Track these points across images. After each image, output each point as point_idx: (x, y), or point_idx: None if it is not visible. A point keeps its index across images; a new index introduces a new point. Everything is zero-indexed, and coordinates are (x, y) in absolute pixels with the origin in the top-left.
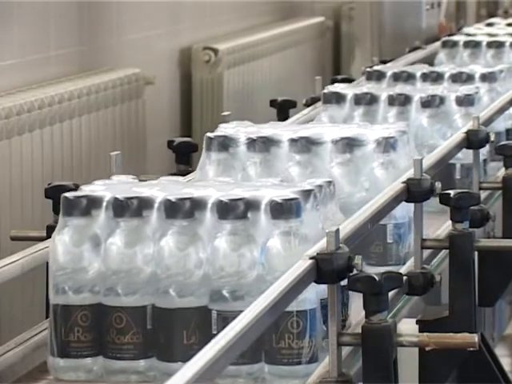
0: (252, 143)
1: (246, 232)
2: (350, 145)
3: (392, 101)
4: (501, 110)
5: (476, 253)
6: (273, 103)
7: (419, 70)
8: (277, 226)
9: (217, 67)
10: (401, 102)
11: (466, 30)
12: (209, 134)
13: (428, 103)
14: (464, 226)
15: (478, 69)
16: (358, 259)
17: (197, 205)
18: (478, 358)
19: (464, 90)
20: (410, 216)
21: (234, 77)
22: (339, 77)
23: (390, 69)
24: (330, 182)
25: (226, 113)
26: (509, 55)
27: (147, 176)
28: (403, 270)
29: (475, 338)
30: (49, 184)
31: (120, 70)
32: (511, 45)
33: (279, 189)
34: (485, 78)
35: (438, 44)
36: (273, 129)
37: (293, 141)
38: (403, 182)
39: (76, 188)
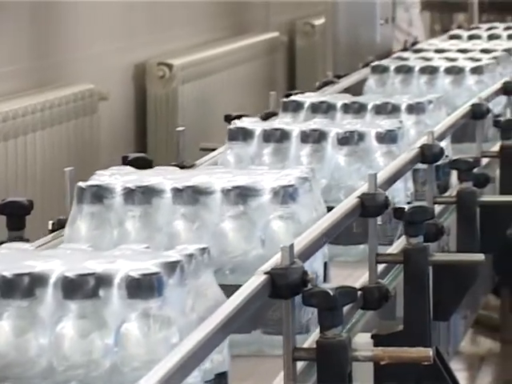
0: (130, 193)
1: (97, 314)
2: (242, 195)
3: (305, 137)
4: (454, 125)
5: (430, 267)
6: (227, 118)
7: (340, 99)
8: (133, 307)
9: (171, 82)
10: (315, 138)
11: (420, 45)
12: (80, 184)
13: (345, 140)
14: (418, 241)
15: (404, 99)
16: (312, 274)
17: (37, 281)
18: (433, 373)
19: (386, 125)
20: None
21: (189, 92)
22: (293, 91)
23: (308, 98)
24: (204, 249)
25: (180, 128)
26: (443, 81)
27: None
28: (357, 284)
29: (430, 352)
30: (2, 200)
31: (74, 85)
32: (446, 70)
33: (139, 259)
34: (412, 109)
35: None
36: (155, 176)
37: (177, 190)
38: (358, 197)
39: (31, 205)
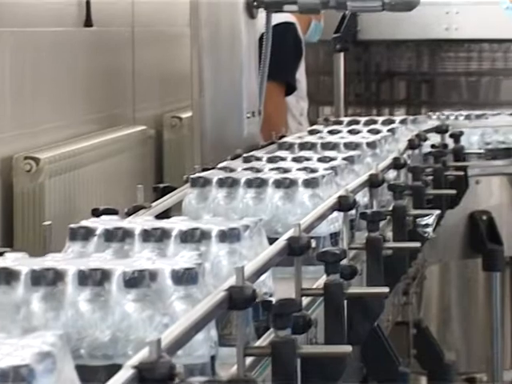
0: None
1: None
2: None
3: (84, 279)
4: (322, 217)
5: (299, 360)
6: (95, 212)
7: (140, 225)
8: None
9: (38, 176)
10: (95, 281)
11: (287, 138)
12: None
13: (133, 281)
14: (286, 333)
15: (217, 223)
16: (180, 368)
17: None
18: None
19: (184, 262)
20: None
21: (56, 186)
22: (161, 185)
23: (102, 225)
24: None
25: (47, 222)
26: (273, 196)
27: None
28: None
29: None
30: None
31: None
32: (275, 183)
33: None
34: (224, 236)
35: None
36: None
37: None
38: (225, 290)
39: None
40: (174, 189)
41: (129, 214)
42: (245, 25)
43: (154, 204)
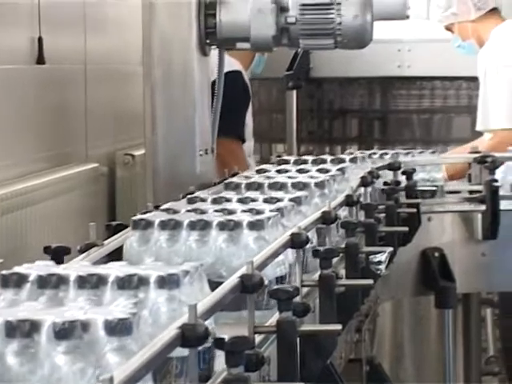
0: None
1: None
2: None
3: (11, 331)
4: (275, 254)
5: None
6: (47, 250)
7: (75, 271)
8: None
9: None
10: (24, 333)
11: (234, 178)
12: None
13: (64, 333)
14: (239, 370)
15: (156, 268)
16: None
17: None
18: None
19: (118, 311)
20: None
21: (8, 223)
22: (113, 223)
23: (34, 271)
24: None
25: None
26: (217, 238)
27: None
28: None
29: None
30: None
31: None
32: (219, 225)
33: None
34: (163, 283)
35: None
36: None
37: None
38: (178, 328)
39: None
40: (127, 227)
41: (81, 252)
42: (197, 62)
43: (106, 242)
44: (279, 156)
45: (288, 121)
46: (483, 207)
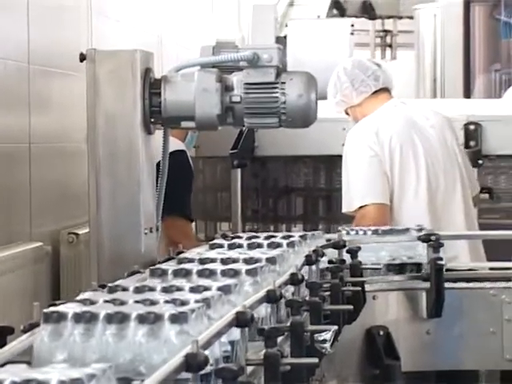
0: None
1: None
2: None
3: None
4: (220, 333)
5: None
6: None
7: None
8: None
9: None
10: None
11: (185, 254)
12: None
13: None
14: None
15: (58, 371)
16: None
17: None
18: None
19: None
20: None
21: None
22: (58, 302)
23: None
24: None
25: None
26: (136, 332)
27: None
28: None
29: None
30: None
31: None
32: (138, 318)
33: None
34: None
35: None
36: None
37: None
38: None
39: None
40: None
41: (25, 332)
42: (142, 141)
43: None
44: (224, 235)
45: (233, 199)
46: (427, 285)
